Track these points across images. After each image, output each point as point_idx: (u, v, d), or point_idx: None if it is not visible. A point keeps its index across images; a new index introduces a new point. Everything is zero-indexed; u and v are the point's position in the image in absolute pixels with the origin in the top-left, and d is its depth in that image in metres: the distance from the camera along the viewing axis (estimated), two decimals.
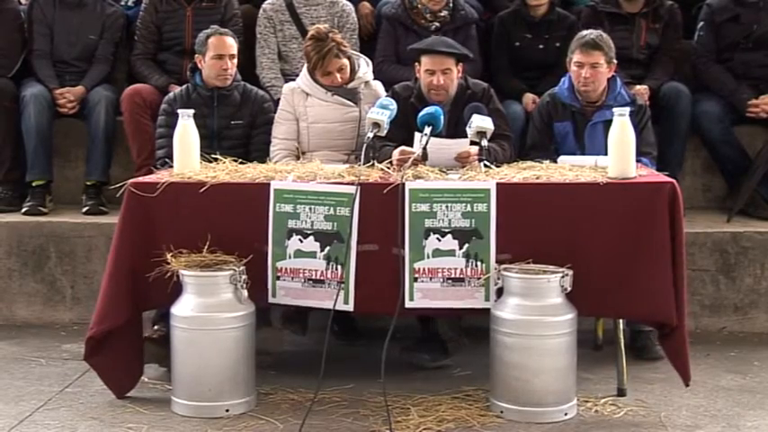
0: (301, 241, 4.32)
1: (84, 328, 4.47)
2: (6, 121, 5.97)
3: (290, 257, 4.33)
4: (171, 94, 5.41)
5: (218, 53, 5.25)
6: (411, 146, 4.71)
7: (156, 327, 4.73)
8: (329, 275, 4.29)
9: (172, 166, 4.61)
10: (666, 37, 6.05)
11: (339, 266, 4.28)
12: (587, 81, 5.05)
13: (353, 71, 5.27)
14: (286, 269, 4.33)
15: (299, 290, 4.33)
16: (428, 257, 4.26)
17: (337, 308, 4.25)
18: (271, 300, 4.37)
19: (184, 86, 5.39)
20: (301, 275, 4.32)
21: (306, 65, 5.29)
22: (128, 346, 4.45)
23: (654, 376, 4.62)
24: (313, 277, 4.31)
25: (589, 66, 5.03)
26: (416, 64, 5.09)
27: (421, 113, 4.71)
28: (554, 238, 4.25)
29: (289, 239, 4.33)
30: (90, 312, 4.47)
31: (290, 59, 5.98)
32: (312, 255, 4.31)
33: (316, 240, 4.31)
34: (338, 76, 5.19)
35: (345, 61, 5.20)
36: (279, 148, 5.22)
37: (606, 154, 4.44)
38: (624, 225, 4.24)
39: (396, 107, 4.73)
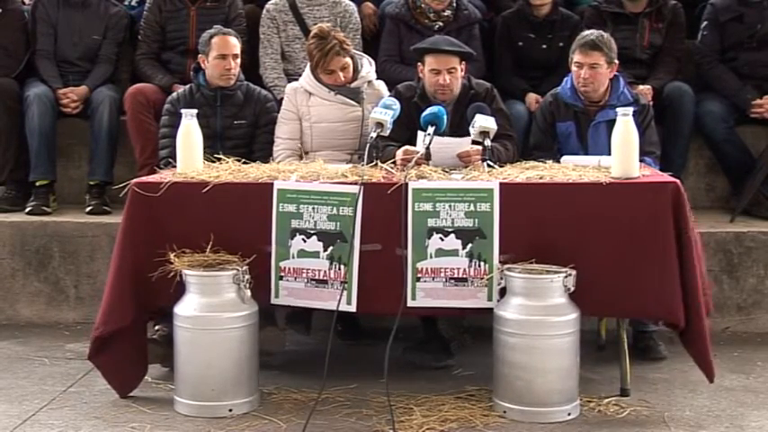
0: (304, 241, 4.32)
1: (88, 328, 4.48)
2: (10, 120, 5.97)
3: (293, 257, 4.33)
4: (174, 94, 5.41)
5: (221, 53, 5.25)
6: (414, 146, 4.71)
7: (157, 327, 4.74)
8: (332, 275, 4.29)
9: (175, 166, 4.61)
10: (670, 37, 6.04)
11: (342, 266, 4.27)
12: (587, 82, 5.04)
13: (356, 70, 5.27)
14: (289, 269, 4.33)
15: (301, 290, 4.33)
16: (431, 257, 4.26)
17: (340, 309, 4.25)
18: (273, 300, 4.36)
19: (188, 86, 5.39)
20: (304, 275, 4.32)
21: (309, 64, 5.30)
22: (132, 345, 4.45)
23: (657, 376, 4.62)
24: (316, 277, 4.31)
25: (588, 66, 5.02)
26: (419, 64, 5.09)
27: (424, 113, 4.71)
28: (557, 238, 4.24)
29: (292, 239, 4.33)
30: (94, 312, 4.47)
31: (293, 59, 5.98)
32: (315, 255, 4.31)
33: (319, 240, 4.31)
34: (341, 74, 5.19)
35: (348, 60, 5.20)
36: (282, 147, 5.22)
37: (609, 154, 4.44)
38: (627, 225, 4.24)
39: (399, 107, 4.72)
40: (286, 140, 5.23)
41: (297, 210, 4.32)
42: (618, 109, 4.43)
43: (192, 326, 4.23)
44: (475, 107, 4.84)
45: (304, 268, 4.32)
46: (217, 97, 5.29)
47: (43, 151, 5.90)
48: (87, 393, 4.52)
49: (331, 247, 4.29)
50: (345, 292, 4.27)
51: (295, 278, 4.33)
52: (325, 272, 4.30)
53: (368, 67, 5.35)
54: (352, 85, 5.25)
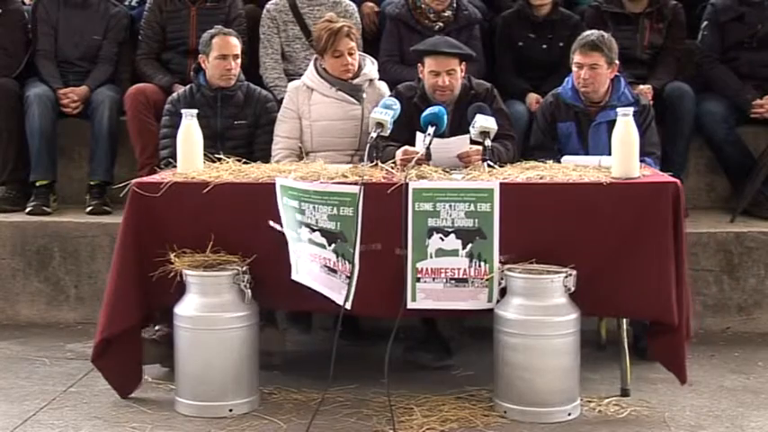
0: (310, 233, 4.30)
1: (89, 328, 4.49)
2: (10, 121, 5.97)
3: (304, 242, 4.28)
4: (175, 94, 5.41)
5: (221, 53, 5.25)
6: (414, 146, 4.71)
7: (157, 327, 4.73)
8: (340, 267, 4.26)
9: (175, 166, 4.61)
10: (670, 37, 6.04)
11: (346, 262, 4.25)
12: (586, 82, 5.04)
13: (360, 67, 5.27)
14: (302, 253, 4.28)
15: (316, 273, 4.27)
16: (431, 257, 4.25)
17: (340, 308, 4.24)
18: (294, 275, 4.28)
19: (188, 86, 5.39)
20: (318, 261, 4.28)
21: (312, 61, 5.30)
22: (134, 346, 4.45)
23: (657, 376, 4.62)
24: (328, 265, 4.27)
25: (588, 67, 5.02)
26: (420, 65, 5.09)
27: (424, 113, 4.71)
28: (557, 238, 4.24)
29: (300, 228, 4.28)
30: (94, 312, 4.47)
31: (294, 59, 5.98)
32: (322, 246, 4.27)
33: (322, 236, 4.29)
34: (348, 59, 5.18)
35: (355, 46, 5.21)
36: (281, 147, 5.22)
37: (610, 154, 4.44)
38: (628, 225, 4.24)
39: (399, 107, 4.72)
40: (285, 139, 5.23)
41: (299, 207, 4.31)
42: (618, 109, 4.43)
43: (192, 326, 4.23)
44: (475, 107, 4.84)
45: (318, 254, 4.26)
46: (217, 97, 5.29)
47: (43, 151, 5.90)
48: (88, 393, 4.52)
49: (333, 245, 4.28)
50: (345, 292, 4.25)
51: (311, 261, 4.27)
52: (334, 262, 4.27)
53: (370, 66, 5.35)
54: (355, 81, 5.25)
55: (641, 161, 4.48)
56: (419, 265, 4.25)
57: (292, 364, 4.83)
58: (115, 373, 4.42)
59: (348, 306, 4.25)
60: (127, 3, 6.58)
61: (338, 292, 4.25)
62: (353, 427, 4.12)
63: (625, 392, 4.43)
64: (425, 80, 5.03)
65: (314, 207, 4.29)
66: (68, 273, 5.62)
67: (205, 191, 4.35)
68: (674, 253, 4.22)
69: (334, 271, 4.28)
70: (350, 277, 4.23)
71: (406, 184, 4.26)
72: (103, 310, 4.36)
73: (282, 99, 5.42)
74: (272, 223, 4.30)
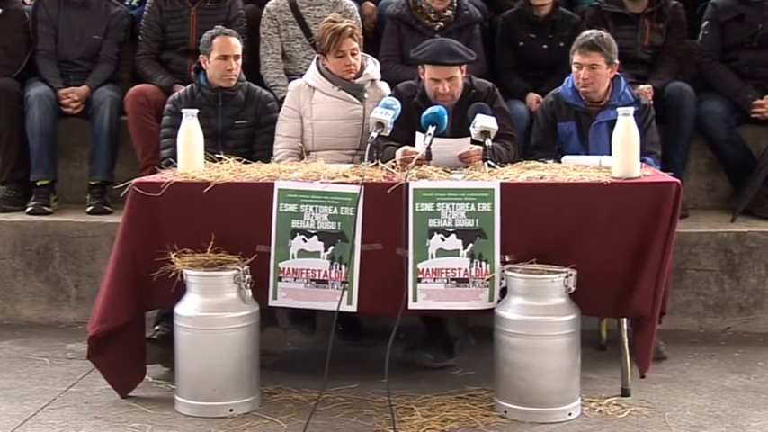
0: (305, 241, 4.32)
1: None
2: (11, 120, 5.97)
3: (293, 257, 4.32)
4: (175, 95, 5.42)
5: (222, 54, 5.24)
6: (414, 146, 4.71)
7: (156, 327, 4.74)
8: (333, 275, 4.29)
9: (176, 166, 4.61)
10: (671, 37, 6.05)
11: (343, 266, 4.27)
12: (586, 82, 5.05)
13: (362, 68, 5.28)
14: (289, 270, 4.33)
15: (301, 291, 4.32)
16: (432, 257, 4.26)
17: (341, 309, 4.25)
18: (271, 302, 4.35)
19: (189, 86, 5.39)
20: (304, 276, 4.32)
21: (314, 60, 5.31)
22: (131, 345, 4.45)
23: (658, 376, 4.62)
24: (316, 277, 4.31)
25: (587, 67, 5.02)
26: (420, 67, 5.08)
27: (425, 113, 4.71)
28: (558, 238, 4.25)
29: (292, 239, 4.32)
30: None
31: (294, 59, 5.99)
32: (316, 255, 4.31)
33: (319, 240, 4.31)
34: (351, 59, 5.18)
35: (358, 47, 5.21)
36: (282, 146, 5.22)
37: (610, 154, 4.44)
38: (628, 225, 4.24)
39: (399, 107, 4.72)
40: (286, 138, 5.24)
41: (298, 210, 4.32)
42: (619, 109, 4.43)
43: (192, 326, 4.23)
44: (476, 107, 4.83)
45: (304, 269, 4.32)
46: (218, 97, 5.29)
47: (44, 151, 5.91)
48: (88, 393, 4.52)
49: (332, 247, 4.29)
50: (346, 292, 4.27)
51: (294, 279, 4.33)
52: (325, 272, 4.29)
53: (372, 67, 5.35)
54: (357, 80, 5.25)
55: (642, 161, 4.48)
56: (420, 266, 4.26)
57: (293, 363, 4.83)
58: (113, 370, 4.43)
59: (353, 306, 4.25)
60: (127, 3, 6.58)
61: (330, 301, 4.26)
62: (354, 426, 4.12)
63: (625, 392, 4.43)
64: (426, 85, 5.01)
65: (314, 208, 4.30)
66: (69, 273, 5.62)
67: (205, 191, 4.35)
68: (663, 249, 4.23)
69: (325, 282, 4.29)
70: (346, 281, 4.23)
71: (407, 184, 4.26)
72: (97, 306, 4.37)
73: (283, 99, 5.43)
74: (260, 247, 4.32)
